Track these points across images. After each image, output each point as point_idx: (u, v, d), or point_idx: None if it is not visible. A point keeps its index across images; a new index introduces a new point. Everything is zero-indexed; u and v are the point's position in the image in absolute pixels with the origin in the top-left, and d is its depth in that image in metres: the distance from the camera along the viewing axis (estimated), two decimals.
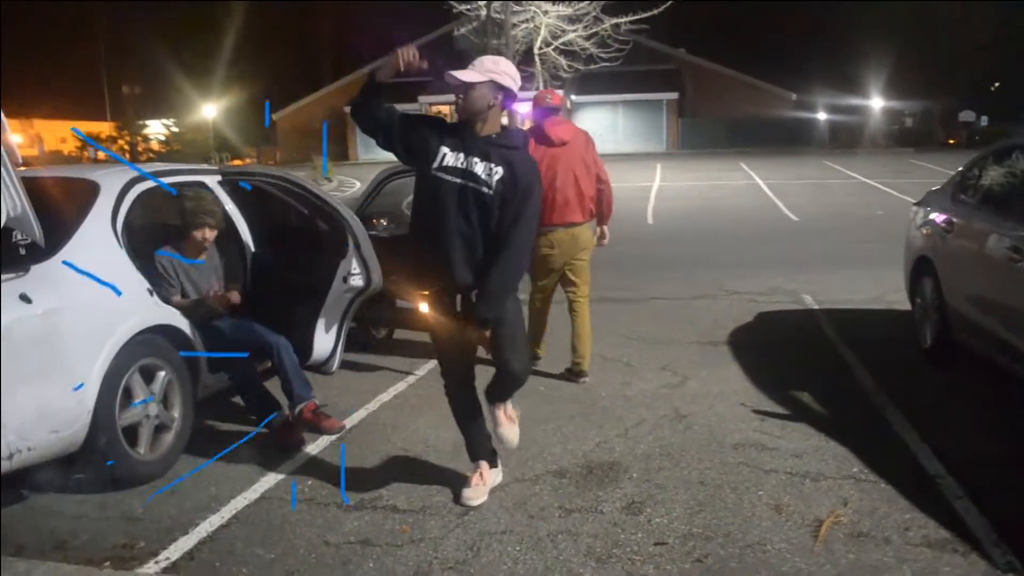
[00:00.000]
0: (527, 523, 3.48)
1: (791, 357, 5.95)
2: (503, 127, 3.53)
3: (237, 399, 4.77)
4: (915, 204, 6.41)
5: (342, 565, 3.18)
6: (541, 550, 3.25)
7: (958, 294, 5.18)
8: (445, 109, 27.50)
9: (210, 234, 4.60)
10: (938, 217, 5.63)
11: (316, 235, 4.88)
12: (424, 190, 3.53)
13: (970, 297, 5.01)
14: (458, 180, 3.41)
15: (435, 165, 3.44)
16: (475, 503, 3.66)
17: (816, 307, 7.54)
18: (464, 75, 3.39)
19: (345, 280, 4.68)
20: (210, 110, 34.27)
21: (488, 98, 3.42)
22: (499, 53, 21.64)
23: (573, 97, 35.40)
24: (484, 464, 3.81)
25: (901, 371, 5.43)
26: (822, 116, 37.06)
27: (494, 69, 3.43)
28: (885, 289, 7.91)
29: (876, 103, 37.97)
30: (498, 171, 3.41)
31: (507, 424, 3.71)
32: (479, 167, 3.41)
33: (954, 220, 5.38)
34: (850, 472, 3.87)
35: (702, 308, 7.67)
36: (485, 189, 3.40)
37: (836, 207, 16.50)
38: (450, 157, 3.44)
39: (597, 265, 9.81)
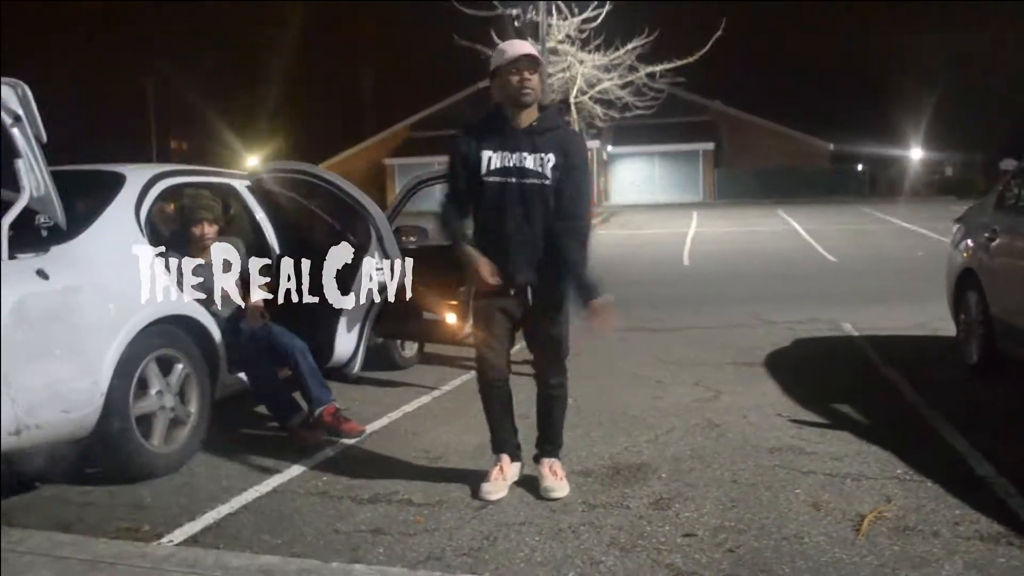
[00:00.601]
0: (548, 516, 3.31)
1: (830, 374, 5.73)
2: (542, 110, 3.43)
3: (260, 408, 4.68)
4: (955, 220, 6.21)
5: (351, 551, 3.02)
6: (561, 540, 3.07)
7: (1004, 304, 4.95)
8: None
9: (209, 229, 4.53)
10: (981, 229, 5.43)
11: (338, 232, 4.82)
12: (480, 200, 3.42)
13: (1016, 307, 4.78)
14: (512, 180, 3.32)
15: (483, 172, 3.35)
16: (493, 497, 3.49)
17: (856, 333, 7.30)
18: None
19: (368, 276, 4.59)
20: (254, 162, 35.02)
21: (541, 82, 3.36)
22: None
23: (609, 148, 35.57)
24: (506, 458, 3.65)
25: (947, 386, 5.19)
26: (860, 166, 36.76)
27: (538, 55, 3.38)
28: (929, 318, 7.64)
29: (916, 153, 37.60)
30: (550, 159, 3.31)
31: (551, 478, 3.55)
32: (529, 161, 3.32)
33: (997, 230, 5.18)
34: (894, 473, 3.64)
35: (738, 335, 7.46)
36: (542, 181, 3.31)
37: (875, 248, 16.20)
38: (495, 159, 3.34)
39: (630, 302, 9.81)
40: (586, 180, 3.40)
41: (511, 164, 3.32)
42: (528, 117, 3.36)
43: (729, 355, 6.50)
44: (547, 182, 3.31)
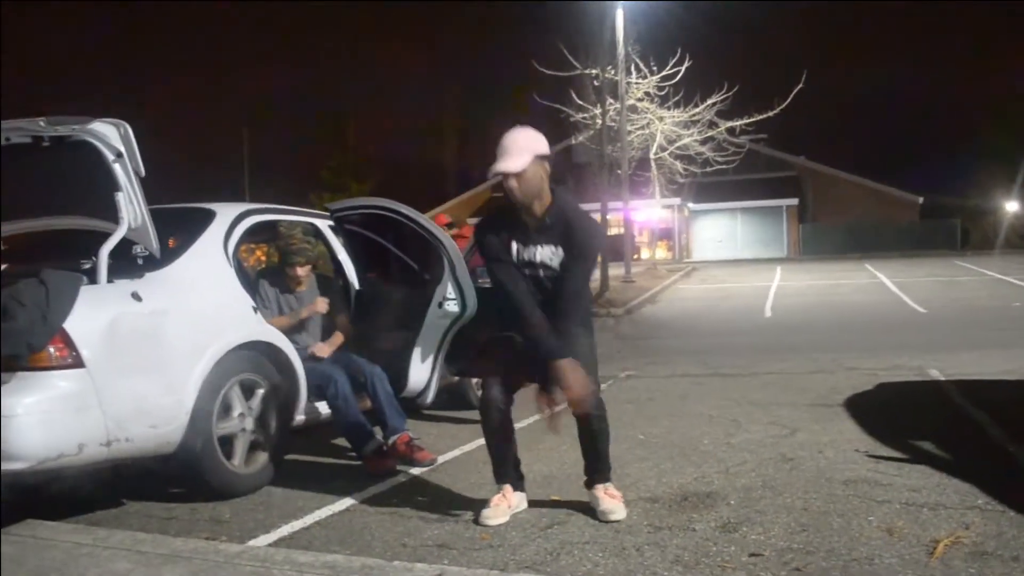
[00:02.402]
0: (612, 536, 3.31)
1: (913, 414, 5.56)
2: (552, 200, 3.49)
3: (338, 440, 4.82)
4: None
5: (416, 563, 3.08)
6: (624, 557, 3.06)
7: None
8: None
9: (301, 271, 4.79)
10: None
11: (413, 263, 4.99)
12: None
13: None
14: (527, 272, 3.50)
15: (514, 259, 3.53)
16: (493, 523, 3.49)
17: (943, 378, 7.05)
18: (511, 165, 3.36)
19: (440, 305, 4.72)
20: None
21: (540, 174, 3.42)
22: (615, 159, 22.06)
23: (691, 205, 35.44)
24: (508, 487, 3.67)
25: None
26: (952, 219, 35.56)
27: (529, 145, 3.41)
28: (1022, 364, 7.34)
29: (1011, 205, 36.20)
30: (560, 251, 3.48)
31: (609, 500, 3.57)
32: (544, 252, 3.49)
33: None
34: (974, 503, 3.51)
35: (818, 380, 7.29)
36: (552, 273, 3.49)
37: (967, 300, 15.60)
38: (523, 252, 3.52)
39: (708, 351, 9.72)
40: (583, 265, 3.49)
41: (531, 258, 3.50)
42: (540, 209, 3.48)
43: (808, 397, 6.37)
44: (557, 273, 3.48)
